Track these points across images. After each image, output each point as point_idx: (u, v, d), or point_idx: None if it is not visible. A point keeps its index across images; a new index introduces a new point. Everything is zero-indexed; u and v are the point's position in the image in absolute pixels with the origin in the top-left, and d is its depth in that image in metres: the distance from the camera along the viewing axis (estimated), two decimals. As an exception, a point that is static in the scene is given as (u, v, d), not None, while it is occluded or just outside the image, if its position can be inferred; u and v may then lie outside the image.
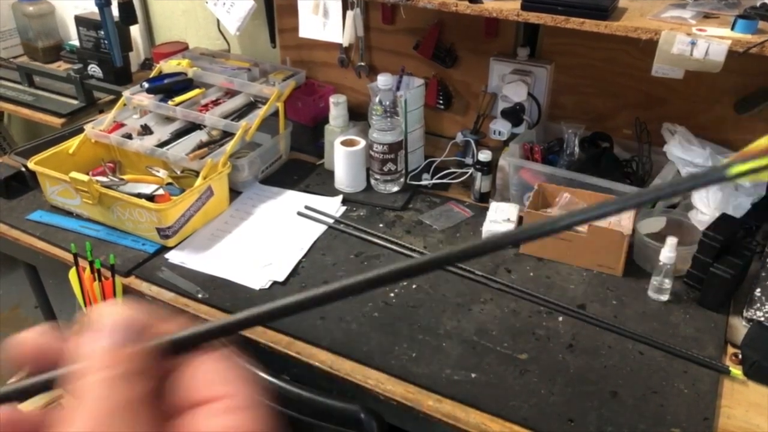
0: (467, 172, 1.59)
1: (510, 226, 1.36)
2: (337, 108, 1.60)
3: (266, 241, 1.39)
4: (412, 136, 1.59)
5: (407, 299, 1.23)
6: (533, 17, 1.22)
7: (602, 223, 1.27)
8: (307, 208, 1.49)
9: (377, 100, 1.46)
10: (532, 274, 1.29)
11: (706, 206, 1.30)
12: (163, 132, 1.56)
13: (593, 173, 1.36)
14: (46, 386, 0.30)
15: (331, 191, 1.56)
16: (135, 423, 0.25)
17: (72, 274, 1.28)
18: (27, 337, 0.30)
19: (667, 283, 1.20)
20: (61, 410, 0.28)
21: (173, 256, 1.34)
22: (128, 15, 1.77)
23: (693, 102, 1.46)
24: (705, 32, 1.10)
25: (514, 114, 1.54)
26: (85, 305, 1.30)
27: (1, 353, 0.31)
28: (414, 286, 1.26)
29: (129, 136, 1.54)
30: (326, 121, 1.64)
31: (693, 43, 1.08)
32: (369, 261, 1.33)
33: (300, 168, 1.67)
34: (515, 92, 1.53)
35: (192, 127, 1.58)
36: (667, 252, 1.17)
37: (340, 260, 1.33)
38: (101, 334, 0.28)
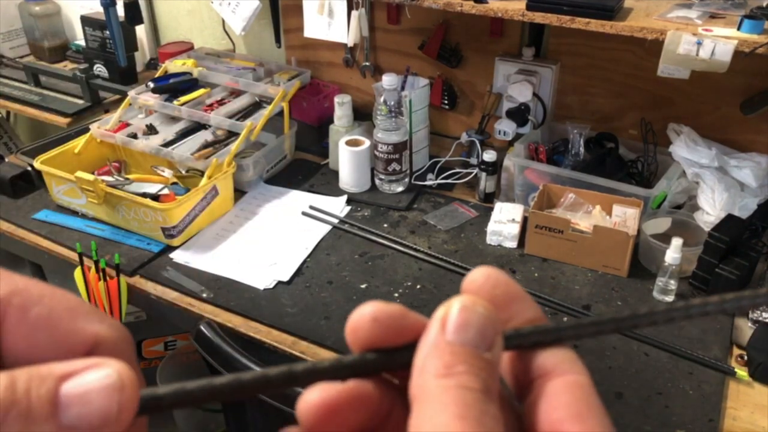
0: (472, 173, 1.59)
1: (515, 227, 1.36)
2: (341, 108, 1.60)
3: (271, 241, 1.39)
4: (416, 136, 1.59)
5: (411, 299, 1.22)
6: (538, 17, 1.22)
7: (607, 224, 1.27)
8: (311, 207, 1.49)
9: (382, 100, 1.46)
10: (536, 274, 1.29)
11: (711, 207, 1.29)
12: (168, 132, 1.56)
13: (598, 174, 1.35)
14: (375, 367, 0.24)
15: (336, 191, 1.56)
16: None
17: (77, 274, 1.28)
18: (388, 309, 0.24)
19: (673, 284, 1.19)
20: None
21: (178, 256, 1.34)
22: (134, 15, 1.77)
23: (699, 102, 1.46)
24: (711, 32, 1.09)
25: (519, 114, 1.54)
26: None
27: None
28: (418, 287, 1.26)
29: (134, 136, 1.55)
30: (331, 120, 1.64)
31: (699, 44, 1.08)
32: (373, 261, 1.33)
33: (305, 168, 1.68)
34: (520, 92, 1.53)
35: (197, 127, 1.58)
36: (673, 253, 1.17)
37: (344, 260, 1.33)
38: (463, 325, 0.22)
